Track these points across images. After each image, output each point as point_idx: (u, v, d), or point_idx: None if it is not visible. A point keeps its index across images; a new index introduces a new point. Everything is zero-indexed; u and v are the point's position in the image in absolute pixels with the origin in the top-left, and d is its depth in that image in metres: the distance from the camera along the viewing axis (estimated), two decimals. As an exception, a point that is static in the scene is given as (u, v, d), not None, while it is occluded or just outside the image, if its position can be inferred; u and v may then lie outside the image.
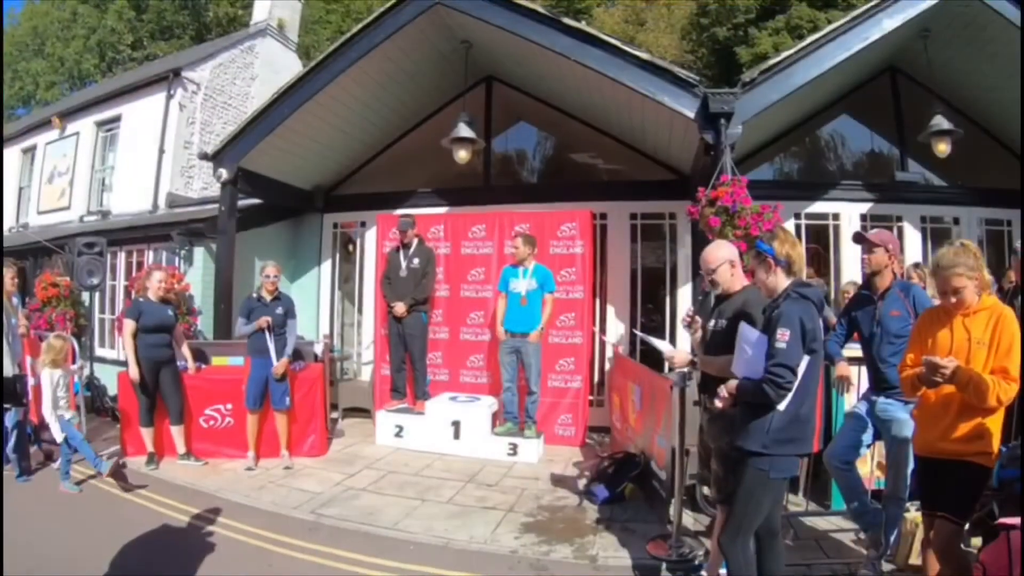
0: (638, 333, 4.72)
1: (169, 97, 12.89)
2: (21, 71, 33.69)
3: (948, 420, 3.12)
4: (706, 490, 4.86)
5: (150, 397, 6.43)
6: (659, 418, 5.26)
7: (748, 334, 3.22)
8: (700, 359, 3.54)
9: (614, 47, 6.52)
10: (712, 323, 3.71)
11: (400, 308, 7.48)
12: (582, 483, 5.98)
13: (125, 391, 6.63)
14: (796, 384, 3.05)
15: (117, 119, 13.83)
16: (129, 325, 6.35)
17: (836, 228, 8.07)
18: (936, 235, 7.97)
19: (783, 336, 3.01)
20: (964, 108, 7.83)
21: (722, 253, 3.73)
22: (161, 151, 12.66)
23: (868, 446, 4.42)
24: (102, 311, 10.43)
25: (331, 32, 30.78)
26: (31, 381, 6.23)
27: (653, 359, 7.43)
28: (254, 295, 6.69)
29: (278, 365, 6.43)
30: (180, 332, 6.90)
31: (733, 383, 3.25)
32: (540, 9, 6.88)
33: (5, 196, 16.01)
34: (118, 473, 5.78)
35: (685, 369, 4.17)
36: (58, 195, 14.60)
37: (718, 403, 3.32)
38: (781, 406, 3.07)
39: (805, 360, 3.08)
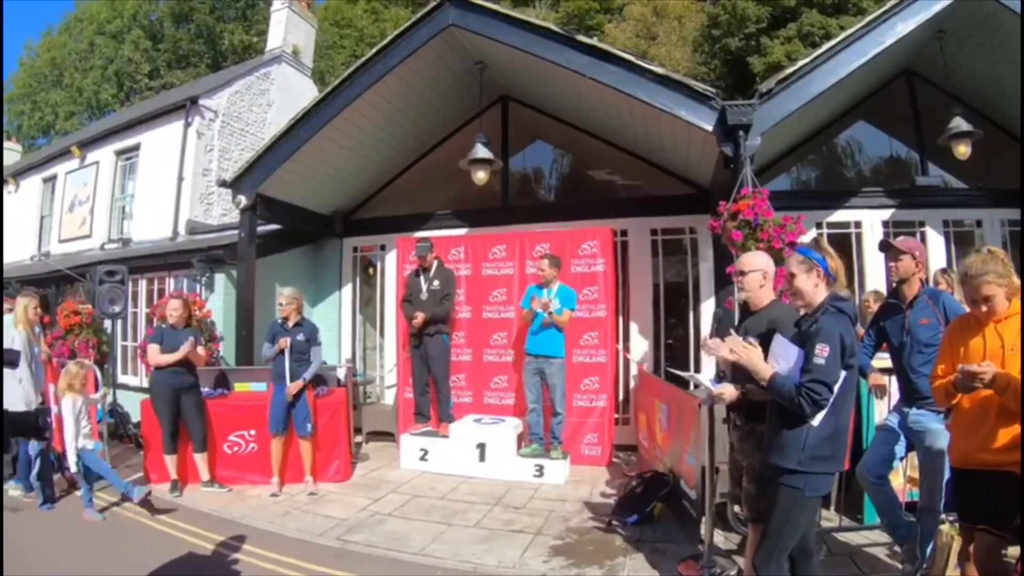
0: (680, 373, 4.65)
1: (187, 125, 13.04)
2: (40, 102, 34.40)
3: (986, 429, 3.04)
4: (737, 508, 4.78)
5: (173, 424, 6.44)
6: (687, 436, 5.19)
7: (784, 347, 3.16)
8: (749, 388, 3.44)
9: (629, 63, 6.50)
10: (742, 338, 3.64)
11: (419, 318, 7.42)
12: (610, 504, 5.90)
13: (148, 418, 6.64)
14: (832, 400, 2.98)
15: (136, 148, 14.01)
16: (153, 348, 6.41)
17: (858, 236, 8.01)
18: (959, 239, 7.87)
19: (822, 352, 2.95)
20: (982, 108, 7.72)
21: (759, 261, 3.69)
22: (180, 179, 12.81)
23: (901, 459, 4.35)
24: (124, 338, 10.48)
25: (345, 57, 31.14)
26: (54, 409, 6.26)
27: (677, 377, 7.36)
28: (278, 320, 6.69)
29: (291, 386, 6.41)
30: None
31: (759, 361, 3.21)
32: (554, 27, 6.91)
33: (26, 225, 16.28)
34: (145, 502, 5.79)
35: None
36: (79, 223, 14.78)
37: (724, 353, 3.32)
38: (815, 421, 3.00)
39: (842, 375, 3.02)
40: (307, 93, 15.49)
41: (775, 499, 3.14)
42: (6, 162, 21.53)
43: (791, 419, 3.05)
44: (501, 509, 5.98)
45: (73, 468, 5.80)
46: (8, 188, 17.58)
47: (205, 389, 6.97)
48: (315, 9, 21.38)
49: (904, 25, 6.20)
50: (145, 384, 8.23)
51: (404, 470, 7.33)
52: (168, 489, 6.41)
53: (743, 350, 3.28)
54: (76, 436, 5.75)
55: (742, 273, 3.64)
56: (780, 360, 3.15)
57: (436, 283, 7.60)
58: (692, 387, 5.72)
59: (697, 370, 7.70)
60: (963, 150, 6.86)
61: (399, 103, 8.28)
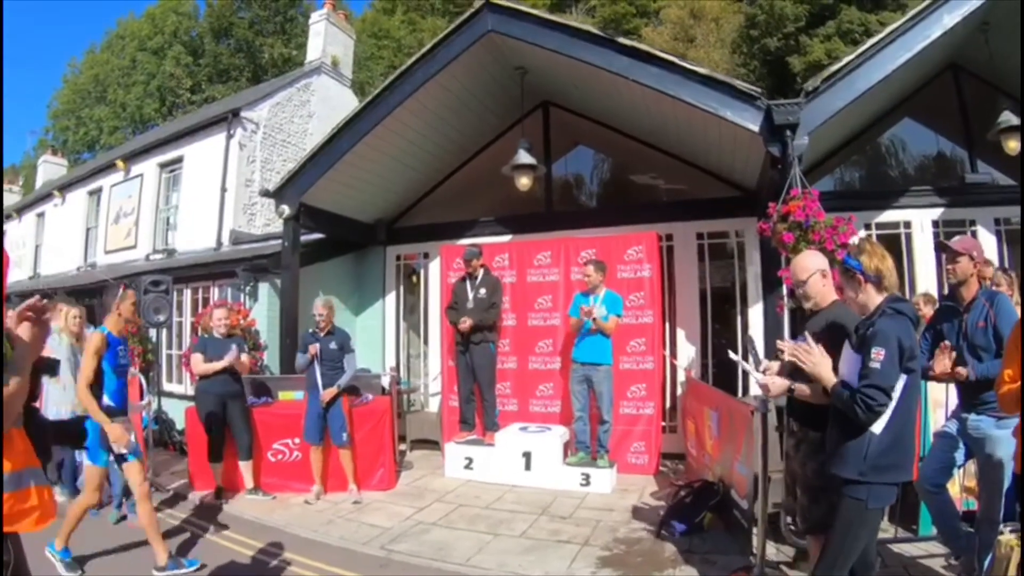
0: (734, 356, 4.50)
1: (229, 137, 13.24)
2: (85, 117, 35.38)
3: None
4: (790, 519, 4.65)
5: (220, 432, 6.49)
6: (739, 444, 5.06)
7: (847, 354, 3.06)
8: (796, 387, 3.33)
9: (672, 64, 6.42)
10: (798, 341, 3.54)
11: (467, 323, 7.36)
12: (658, 513, 5.76)
13: (193, 426, 6.73)
14: (894, 405, 2.87)
15: (179, 160, 14.26)
16: (197, 358, 6.49)
17: (908, 236, 7.81)
18: (1011, 237, 7.62)
19: (878, 355, 2.83)
20: (1031, 101, 7.47)
21: (813, 262, 3.50)
22: (223, 189, 13.00)
23: (960, 467, 4.21)
24: (169, 347, 10.63)
25: (383, 68, 31.51)
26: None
27: (727, 383, 7.23)
28: (310, 330, 6.72)
29: (324, 394, 6.41)
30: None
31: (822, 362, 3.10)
32: (594, 30, 6.87)
33: (73, 237, 16.68)
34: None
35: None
36: (124, 235, 15.08)
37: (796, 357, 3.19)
38: (877, 428, 2.88)
39: (902, 380, 2.88)
40: (347, 104, 15.61)
41: (834, 510, 3.03)
42: (52, 176, 22.18)
43: (852, 427, 2.93)
44: (547, 519, 5.90)
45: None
46: (55, 201, 18.04)
47: (250, 398, 7.02)
48: (352, 21, 21.62)
49: (950, 17, 6.01)
50: (190, 392, 8.32)
51: (449, 479, 7.29)
52: (213, 496, 6.47)
53: (808, 356, 3.16)
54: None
55: (801, 282, 3.47)
56: (844, 369, 3.04)
57: (483, 291, 7.55)
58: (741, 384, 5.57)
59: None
60: (1013, 145, 6.63)
61: (440, 110, 8.28)
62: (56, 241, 17.87)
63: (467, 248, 7.81)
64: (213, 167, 13.26)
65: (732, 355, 4.47)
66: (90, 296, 11.97)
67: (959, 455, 4.07)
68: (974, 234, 7.47)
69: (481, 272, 7.65)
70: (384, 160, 8.64)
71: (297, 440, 6.82)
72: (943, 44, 6.38)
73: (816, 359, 3.12)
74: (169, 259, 12.96)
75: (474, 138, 9.45)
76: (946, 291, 4.74)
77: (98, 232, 16.25)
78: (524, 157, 7.71)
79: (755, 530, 4.50)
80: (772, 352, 5.73)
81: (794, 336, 3.90)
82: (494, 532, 5.55)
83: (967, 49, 7.29)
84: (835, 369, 3.10)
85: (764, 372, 3.71)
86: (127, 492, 5.82)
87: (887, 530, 4.82)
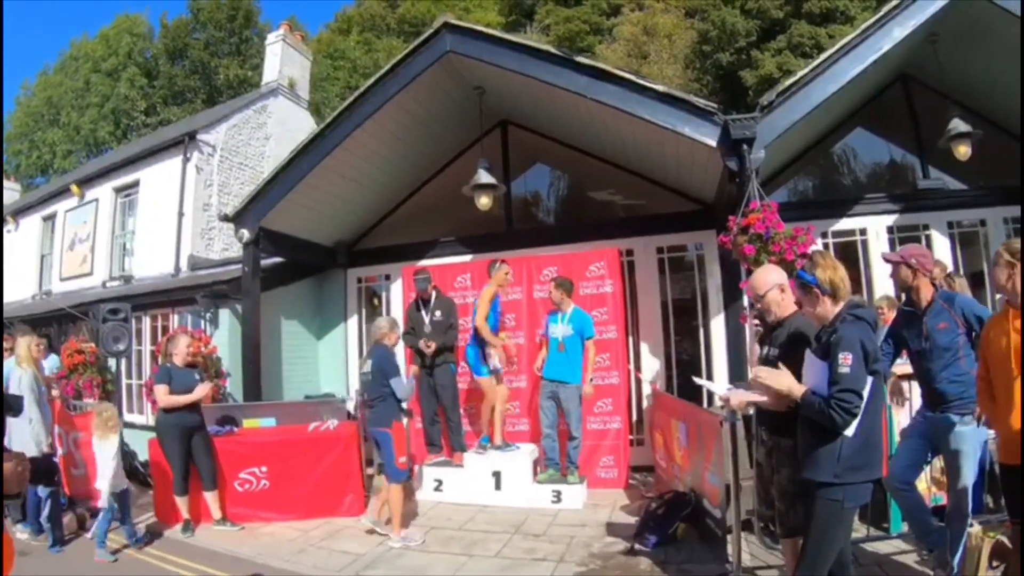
0: (696, 379, 4.63)
1: (186, 160, 13.05)
2: (38, 141, 34.63)
3: None
4: (763, 526, 4.72)
5: (184, 464, 6.33)
6: (709, 454, 5.10)
7: (810, 362, 3.14)
8: (758, 398, 3.42)
9: (630, 82, 6.51)
10: (764, 351, 3.61)
11: (431, 345, 7.31)
12: (631, 526, 5.78)
13: (157, 458, 6.55)
14: (862, 408, 2.96)
15: (135, 184, 14.02)
16: (162, 389, 6.27)
17: (864, 243, 7.99)
18: (964, 240, 7.89)
19: (846, 360, 2.93)
20: (977, 107, 7.70)
21: (770, 277, 3.62)
22: (180, 214, 12.80)
23: (927, 463, 4.37)
24: (128, 376, 10.38)
25: (339, 89, 31.45)
26: (60, 451, 6.19)
27: (693, 394, 7.29)
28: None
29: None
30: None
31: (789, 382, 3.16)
32: (552, 49, 6.91)
33: (27, 264, 16.26)
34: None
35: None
36: (80, 261, 14.75)
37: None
38: (849, 431, 2.97)
39: (869, 382, 2.99)
40: (304, 125, 15.55)
41: (810, 514, 3.10)
42: (5, 201, 21.60)
43: (823, 432, 3.02)
44: (521, 537, 5.88)
45: (105, 503, 5.75)
46: (8, 227, 17.58)
47: (212, 427, 6.87)
48: (308, 41, 21.54)
49: (900, 30, 6.22)
50: (151, 422, 8.14)
51: (419, 501, 7.21)
52: (180, 529, 6.32)
53: (769, 375, 3.25)
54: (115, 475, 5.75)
55: (760, 296, 3.58)
56: (809, 377, 3.11)
57: (438, 313, 7.52)
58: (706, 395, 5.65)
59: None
60: (963, 151, 6.88)
61: (399, 131, 8.27)
62: (10, 268, 17.37)
63: (416, 275, 7.72)
64: (170, 191, 13.04)
65: (695, 378, 4.59)
66: (46, 325, 11.70)
67: (926, 453, 4.20)
68: (928, 238, 7.70)
69: (434, 294, 7.62)
70: (343, 182, 8.60)
71: (264, 468, 6.70)
72: (894, 55, 6.59)
73: (778, 377, 3.21)
74: (126, 286, 12.69)
75: (433, 158, 9.46)
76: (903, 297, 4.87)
77: (53, 259, 15.87)
78: (484, 177, 7.73)
79: (729, 538, 4.55)
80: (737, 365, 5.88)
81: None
82: (469, 553, 5.51)
83: (917, 60, 7.52)
84: (798, 378, 3.18)
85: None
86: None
87: (859, 529, 4.91)
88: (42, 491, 6.02)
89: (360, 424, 7.04)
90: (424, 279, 7.60)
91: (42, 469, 5.96)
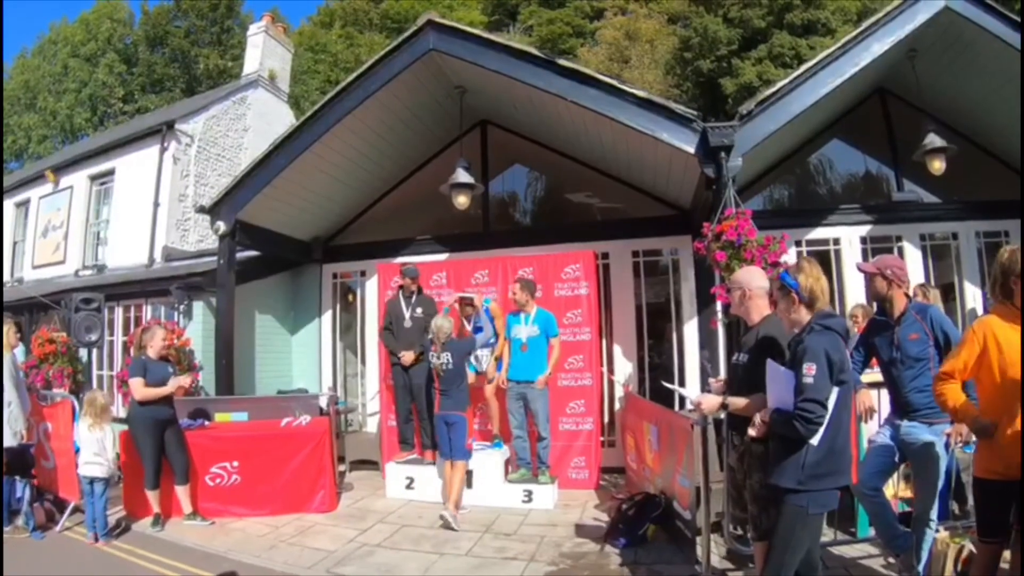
0: (668, 385, 4.70)
1: (163, 150, 12.86)
2: (13, 125, 33.92)
3: None
4: (733, 528, 4.78)
5: (156, 458, 6.27)
6: (680, 457, 5.16)
7: (774, 371, 3.17)
8: (731, 403, 3.48)
9: (611, 86, 6.55)
10: (734, 357, 3.67)
11: (409, 357, 7.38)
12: (602, 527, 5.85)
13: (129, 452, 6.47)
14: (828, 417, 3.02)
15: (111, 172, 13.80)
16: (137, 382, 6.16)
17: (837, 253, 8.12)
18: (936, 252, 8.04)
19: (809, 370, 2.99)
20: (954, 123, 7.85)
21: (739, 279, 3.77)
22: (156, 204, 12.61)
23: (895, 470, 4.42)
24: (100, 367, 10.27)
25: (320, 82, 31.24)
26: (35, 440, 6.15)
27: (665, 397, 7.35)
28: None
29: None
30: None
31: (767, 411, 3.20)
32: (535, 51, 6.93)
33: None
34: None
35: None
36: (52, 249, 14.50)
37: (752, 431, 3.28)
38: (814, 440, 3.03)
39: (835, 392, 3.05)
40: (284, 118, 15.43)
41: (778, 518, 3.16)
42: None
43: (790, 441, 3.08)
44: (491, 536, 5.90)
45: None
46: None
47: (184, 420, 6.81)
48: (289, 34, 21.40)
49: (880, 45, 6.35)
50: (123, 414, 8.04)
51: (390, 499, 7.22)
52: (150, 523, 6.23)
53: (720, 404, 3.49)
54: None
55: (729, 288, 3.68)
56: (771, 385, 3.16)
57: (419, 310, 7.53)
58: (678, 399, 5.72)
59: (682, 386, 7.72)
60: (938, 165, 6.98)
61: (379, 128, 8.25)
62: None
63: (406, 267, 7.76)
64: (146, 181, 12.84)
65: (666, 384, 4.65)
66: (17, 313, 11.52)
67: (894, 459, 4.25)
68: (901, 250, 7.83)
69: (416, 292, 7.64)
70: (322, 177, 8.56)
71: (236, 463, 6.66)
72: (871, 69, 6.69)
73: (732, 403, 3.44)
74: (99, 275, 12.49)
75: (412, 156, 9.44)
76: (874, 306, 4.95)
77: (25, 246, 15.60)
78: (462, 176, 7.72)
79: (699, 539, 4.60)
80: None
81: (729, 351, 4.04)
82: (439, 552, 5.52)
83: (895, 74, 7.63)
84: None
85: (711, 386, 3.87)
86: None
87: (826, 533, 4.95)
88: (19, 482, 6.01)
89: (332, 420, 7.04)
90: (414, 271, 7.64)
91: (18, 460, 5.91)
